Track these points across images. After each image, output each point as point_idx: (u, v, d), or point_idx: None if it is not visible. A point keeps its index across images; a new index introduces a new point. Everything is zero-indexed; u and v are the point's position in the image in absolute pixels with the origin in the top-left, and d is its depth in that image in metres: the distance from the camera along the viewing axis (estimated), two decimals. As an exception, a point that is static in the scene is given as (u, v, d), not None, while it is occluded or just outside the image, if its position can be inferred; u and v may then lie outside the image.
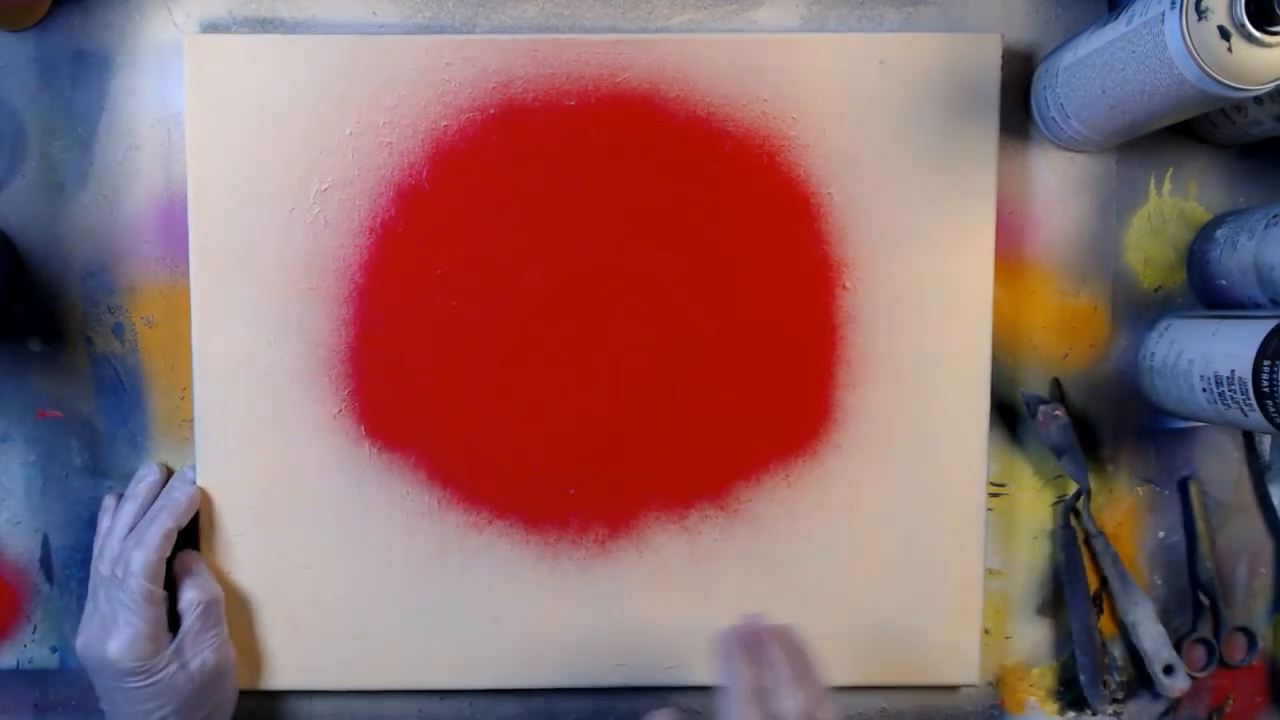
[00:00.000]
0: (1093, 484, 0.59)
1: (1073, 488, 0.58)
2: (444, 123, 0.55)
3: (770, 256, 0.56)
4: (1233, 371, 0.49)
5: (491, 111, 0.55)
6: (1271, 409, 0.47)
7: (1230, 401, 0.50)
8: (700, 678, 0.57)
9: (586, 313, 0.56)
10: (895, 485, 0.57)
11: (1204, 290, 0.58)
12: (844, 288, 0.56)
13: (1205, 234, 0.57)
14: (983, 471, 0.57)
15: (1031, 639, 0.60)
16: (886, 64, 0.55)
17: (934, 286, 0.56)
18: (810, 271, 0.56)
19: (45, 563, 0.58)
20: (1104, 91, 0.50)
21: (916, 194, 0.56)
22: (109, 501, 0.56)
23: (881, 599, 0.57)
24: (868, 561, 0.57)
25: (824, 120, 0.55)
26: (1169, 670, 0.58)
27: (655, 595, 0.57)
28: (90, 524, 0.57)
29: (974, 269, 0.56)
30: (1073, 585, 0.58)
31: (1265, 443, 0.59)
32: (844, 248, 0.56)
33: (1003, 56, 0.56)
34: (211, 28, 0.56)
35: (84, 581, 0.57)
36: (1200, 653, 0.60)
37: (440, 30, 0.57)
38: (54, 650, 0.58)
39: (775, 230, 0.56)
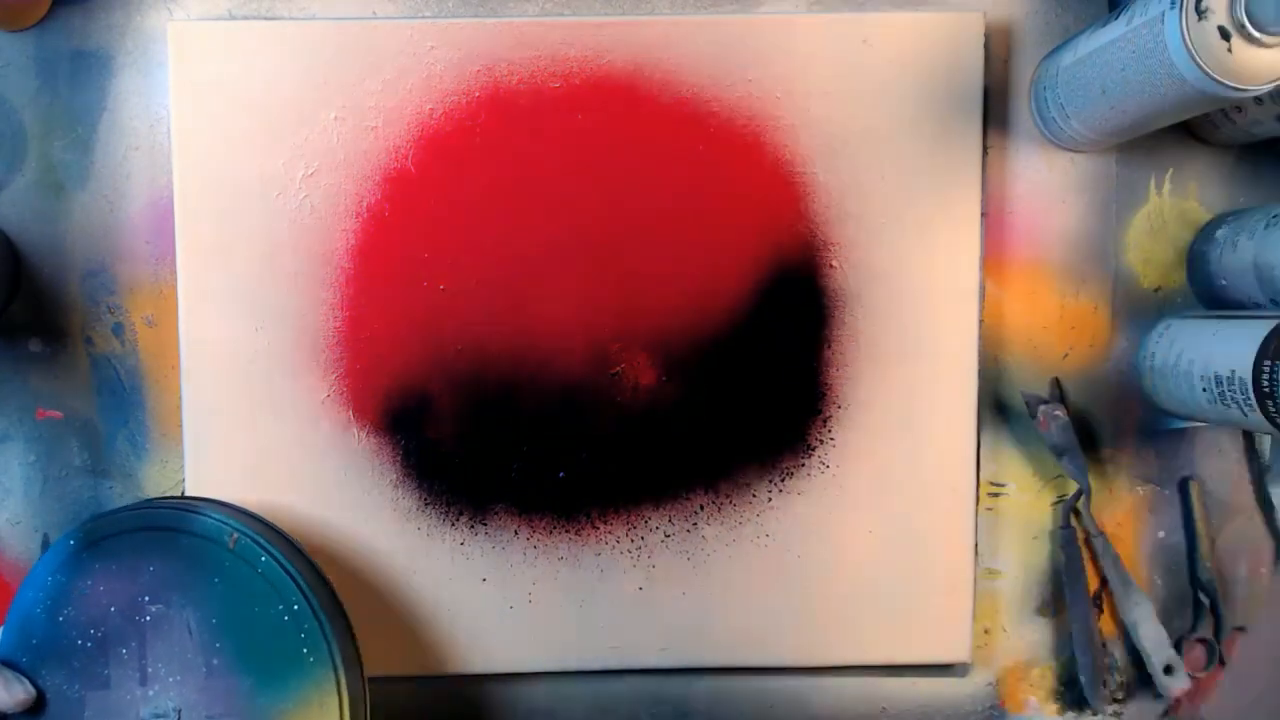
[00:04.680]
0: (1093, 484, 0.59)
1: (1073, 488, 0.58)
2: (429, 106, 0.55)
3: (756, 237, 0.56)
4: (1233, 371, 0.49)
5: (476, 95, 0.55)
6: (1271, 409, 0.47)
7: (1230, 401, 0.50)
8: (692, 660, 0.58)
9: (574, 294, 0.56)
10: (886, 465, 0.57)
11: (1204, 290, 0.58)
12: (831, 267, 0.56)
13: (1205, 234, 0.57)
14: (973, 452, 0.57)
15: (1031, 639, 0.60)
16: (870, 43, 0.55)
17: (921, 266, 0.56)
18: (796, 251, 0.56)
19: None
20: (1104, 91, 0.50)
21: (902, 173, 0.56)
22: None
23: (874, 579, 0.57)
24: (859, 542, 0.57)
25: (809, 100, 0.56)
26: (1169, 670, 0.58)
27: (647, 578, 0.57)
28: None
29: (960, 247, 0.56)
30: (1073, 585, 0.58)
31: (1265, 443, 0.59)
32: (830, 227, 0.56)
33: (1007, 50, 0.56)
34: (211, 28, 0.56)
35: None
36: (1200, 653, 0.60)
37: (440, 30, 0.57)
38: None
39: (761, 210, 0.56)
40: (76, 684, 0.49)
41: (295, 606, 0.49)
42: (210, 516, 0.50)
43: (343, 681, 0.49)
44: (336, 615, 0.51)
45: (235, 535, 0.50)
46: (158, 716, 0.49)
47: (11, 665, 0.49)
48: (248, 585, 0.50)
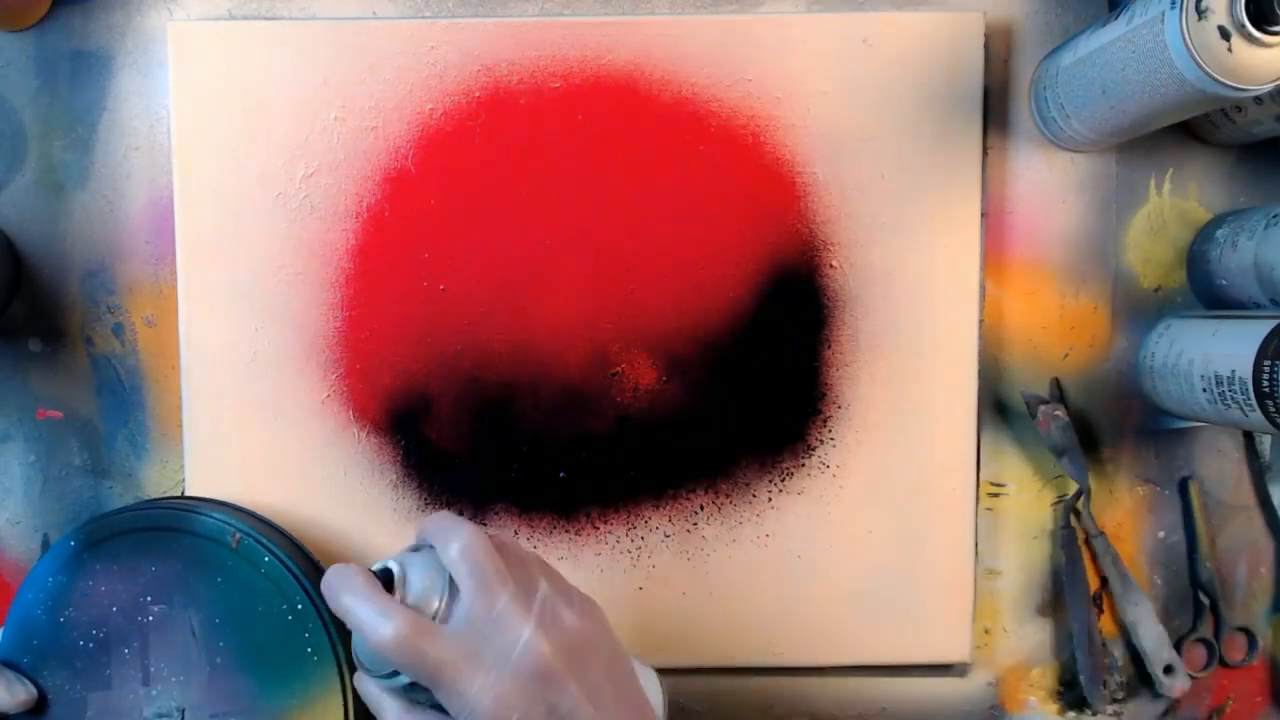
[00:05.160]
0: (1093, 484, 0.59)
1: (1073, 488, 0.58)
2: (429, 106, 0.55)
3: (756, 237, 0.56)
4: (1233, 371, 0.49)
5: (477, 95, 0.55)
6: (1271, 409, 0.47)
7: (1230, 401, 0.50)
8: (691, 660, 0.58)
9: (575, 294, 0.56)
10: (886, 465, 0.57)
11: (1204, 290, 0.58)
12: (831, 267, 0.56)
13: (1205, 234, 0.57)
14: (973, 451, 0.57)
15: (1031, 639, 0.60)
16: (870, 43, 0.55)
17: (921, 266, 0.56)
18: (796, 252, 0.56)
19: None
20: (1104, 91, 0.50)
21: (902, 173, 0.56)
22: None
23: (874, 579, 0.57)
24: (859, 542, 0.57)
25: (809, 100, 0.56)
26: (1169, 670, 0.58)
27: (647, 578, 0.57)
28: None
29: (960, 247, 0.56)
30: (1073, 585, 0.58)
31: (1265, 443, 0.59)
32: (830, 227, 0.56)
33: (1007, 50, 0.56)
34: (211, 28, 0.56)
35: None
36: (1200, 653, 0.60)
37: (440, 30, 0.57)
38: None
39: (761, 210, 0.56)
40: (78, 685, 0.49)
41: (299, 605, 0.49)
42: (212, 517, 0.51)
43: (347, 680, 0.49)
44: None
45: (238, 535, 0.50)
46: (161, 716, 0.49)
47: (12, 666, 0.49)
48: (251, 585, 0.50)
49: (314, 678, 0.49)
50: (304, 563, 0.51)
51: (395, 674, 0.40)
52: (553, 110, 0.55)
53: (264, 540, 0.50)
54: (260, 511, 0.54)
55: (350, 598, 0.39)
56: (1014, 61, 0.58)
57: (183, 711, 0.49)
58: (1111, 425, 0.59)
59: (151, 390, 0.57)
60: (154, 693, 0.49)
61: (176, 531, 0.50)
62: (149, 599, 0.49)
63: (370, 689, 0.41)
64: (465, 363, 0.56)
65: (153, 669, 0.49)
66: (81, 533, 0.50)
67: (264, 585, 0.50)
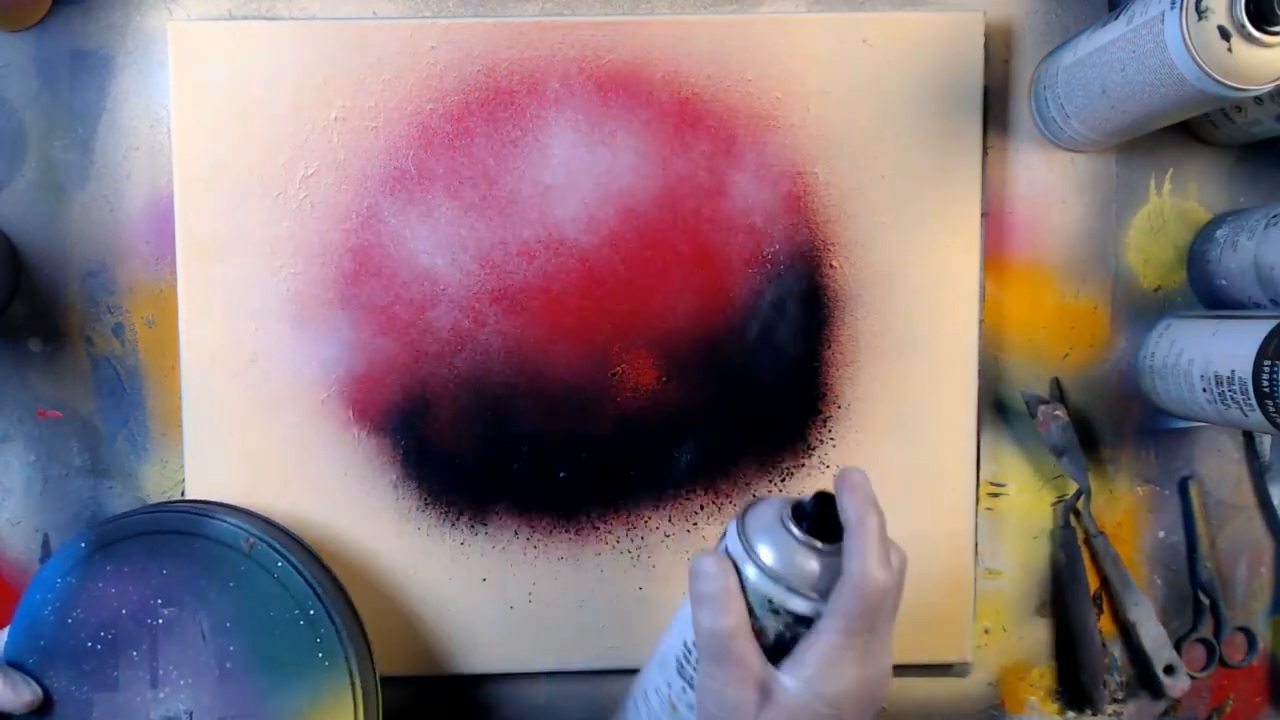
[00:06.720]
0: (1093, 484, 0.59)
1: (1073, 488, 0.58)
2: (429, 106, 0.55)
3: (757, 237, 0.56)
4: (1233, 371, 0.49)
5: (477, 95, 0.55)
6: (1271, 409, 0.47)
7: (1230, 401, 0.50)
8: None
9: (574, 295, 0.56)
10: (886, 465, 0.57)
11: (1204, 290, 0.58)
12: (831, 267, 0.56)
13: (1205, 234, 0.57)
14: (973, 451, 0.57)
15: (1031, 639, 0.60)
16: (870, 43, 0.55)
17: (921, 266, 0.56)
18: (797, 252, 0.56)
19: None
20: (1104, 91, 0.50)
21: (902, 173, 0.56)
22: None
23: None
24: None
25: (809, 100, 0.56)
26: (1169, 670, 0.58)
27: (647, 578, 0.57)
28: (90, 524, 0.57)
29: (960, 247, 0.57)
30: (1073, 585, 0.58)
31: (1265, 443, 0.59)
32: (830, 227, 0.56)
33: (1007, 50, 0.56)
34: (211, 28, 0.56)
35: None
36: (1200, 653, 0.60)
37: (440, 30, 0.57)
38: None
39: (761, 210, 0.56)
40: (85, 686, 0.49)
41: (311, 611, 0.49)
42: (225, 521, 0.51)
43: (358, 686, 0.49)
44: (352, 620, 0.52)
45: (251, 540, 0.50)
46: (169, 719, 0.49)
47: (18, 667, 0.49)
48: (263, 589, 0.50)
49: (324, 682, 0.49)
50: (317, 568, 0.51)
51: (814, 597, 0.40)
52: (553, 110, 0.55)
53: (277, 545, 0.50)
54: (260, 511, 0.54)
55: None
56: (1014, 61, 0.58)
57: (191, 714, 0.49)
58: (1111, 425, 0.59)
59: (151, 390, 0.57)
60: (162, 695, 0.49)
61: (189, 535, 0.50)
62: (159, 601, 0.49)
63: (731, 581, 0.40)
64: (465, 363, 0.56)
65: (161, 671, 0.49)
66: (93, 534, 0.50)
67: (276, 590, 0.50)
